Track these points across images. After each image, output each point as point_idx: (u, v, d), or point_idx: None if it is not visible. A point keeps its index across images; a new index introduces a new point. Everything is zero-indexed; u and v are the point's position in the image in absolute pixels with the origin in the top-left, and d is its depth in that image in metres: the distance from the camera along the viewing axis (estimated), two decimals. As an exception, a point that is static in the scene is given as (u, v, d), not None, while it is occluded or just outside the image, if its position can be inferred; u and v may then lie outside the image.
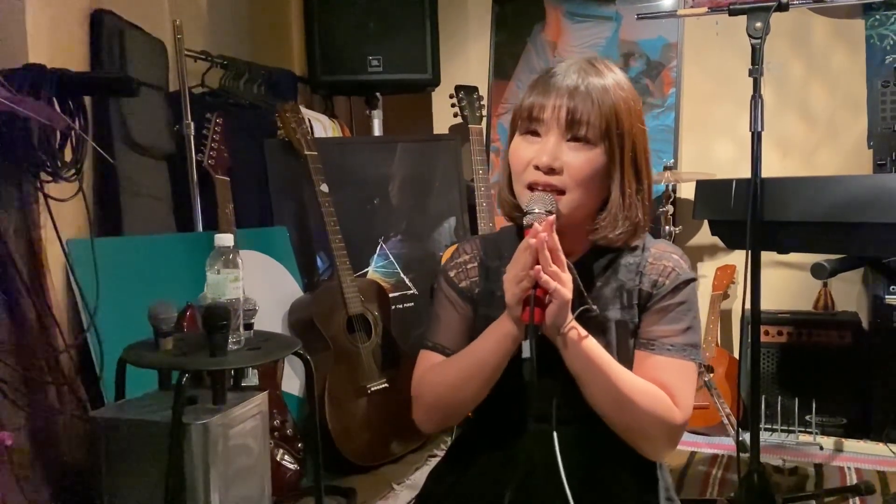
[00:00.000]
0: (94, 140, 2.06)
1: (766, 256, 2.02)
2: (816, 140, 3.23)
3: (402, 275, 3.13)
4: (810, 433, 2.88)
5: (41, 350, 1.80)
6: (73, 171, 1.81)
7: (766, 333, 2.98)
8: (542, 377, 1.14)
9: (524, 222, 1.20)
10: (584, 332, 1.21)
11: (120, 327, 1.85)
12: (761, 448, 2.05)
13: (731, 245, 2.28)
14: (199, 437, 1.40)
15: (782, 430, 2.94)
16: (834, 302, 3.13)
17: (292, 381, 2.62)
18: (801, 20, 3.15)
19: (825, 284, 3.12)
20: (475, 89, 3.28)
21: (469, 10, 3.70)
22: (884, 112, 2.97)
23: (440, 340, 1.35)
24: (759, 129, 1.97)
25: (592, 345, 1.21)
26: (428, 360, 1.35)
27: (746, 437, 2.06)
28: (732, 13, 2.00)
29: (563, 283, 1.16)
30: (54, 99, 1.75)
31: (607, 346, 1.25)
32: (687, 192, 3.32)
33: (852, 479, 2.57)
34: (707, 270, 3.31)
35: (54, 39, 1.99)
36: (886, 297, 2.85)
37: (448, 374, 1.30)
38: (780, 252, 2.11)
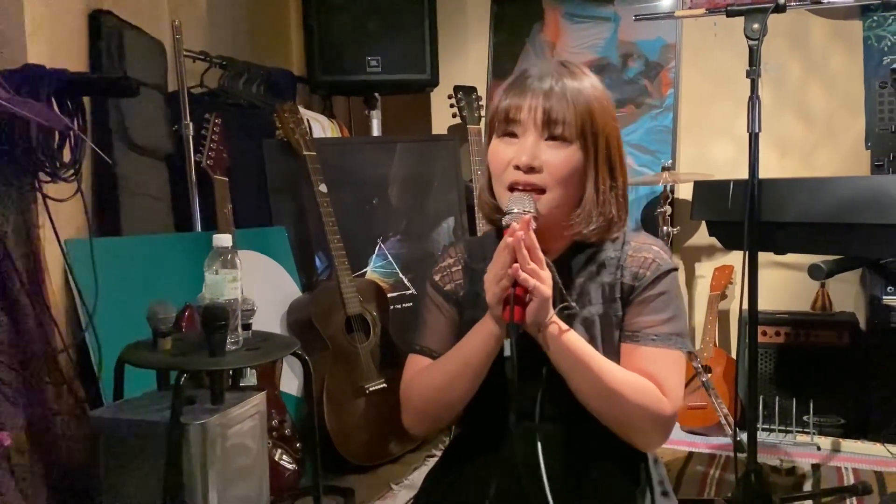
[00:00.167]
0: (93, 140, 2.06)
1: (764, 257, 2.03)
2: (814, 141, 3.23)
3: (400, 275, 3.13)
4: (808, 433, 2.88)
5: (40, 350, 1.80)
6: (71, 171, 1.80)
7: (764, 334, 2.99)
8: (526, 375, 1.14)
9: (503, 223, 1.21)
10: (565, 327, 1.21)
11: (118, 327, 1.85)
12: (759, 448, 2.05)
13: (729, 245, 2.28)
14: (197, 437, 1.40)
15: (780, 431, 2.94)
16: (831, 302, 3.13)
17: (291, 381, 2.62)
18: (799, 21, 3.16)
19: (823, 285, 3.12)
20: (474, 90, 3.28)
21: (468, 11, 3.70)
22: (881, 113, 2.98)
23: (427, 344, 1.36)
24: (757, 130, 1.97)
25: (575, 340, 1.21)
26: (416, 364, 1.36)
27: (744, 437, 2.06)
28: (730, 14, 2.01)
29: (541, 281, 1.16)
30: (53, 99, 1.74)
31: (592, 341, 1.25)
32: (685, 192, 3.32)
33: (849, 480, 2.57)
34: (705, 271, 3.32)
35: (53, 40, 1.99)
36: (884, 297, 2.85)
37: (434, 377, 1.31)
38: (777, 253, 2.12)
